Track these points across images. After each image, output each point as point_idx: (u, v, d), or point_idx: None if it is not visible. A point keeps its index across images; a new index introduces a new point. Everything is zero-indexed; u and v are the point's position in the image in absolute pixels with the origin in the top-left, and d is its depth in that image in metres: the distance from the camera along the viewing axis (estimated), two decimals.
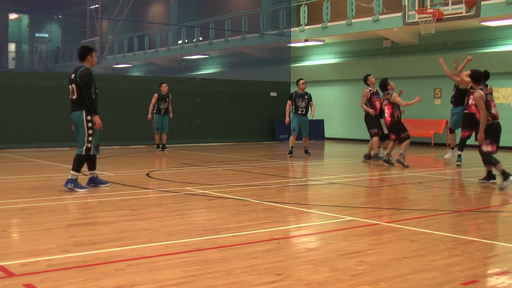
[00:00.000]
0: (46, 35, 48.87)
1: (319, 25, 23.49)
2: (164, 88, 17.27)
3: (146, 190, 9.26)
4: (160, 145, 17.49)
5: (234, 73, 29.27)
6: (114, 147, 18.70)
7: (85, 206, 7.71)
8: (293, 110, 15.34)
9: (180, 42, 33.78)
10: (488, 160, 9.77)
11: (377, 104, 14.39)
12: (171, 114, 17.37)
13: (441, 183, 10.89)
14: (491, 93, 9.82)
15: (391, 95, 13.14)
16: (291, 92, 16.06)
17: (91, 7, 38.34)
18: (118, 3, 36.72)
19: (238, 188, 9.62)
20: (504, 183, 9.55)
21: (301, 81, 15.59)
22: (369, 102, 14.45)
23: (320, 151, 19.50)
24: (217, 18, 31.47)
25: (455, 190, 10.03)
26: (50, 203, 7.87)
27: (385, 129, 14.78)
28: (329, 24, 23.13)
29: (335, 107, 24.69)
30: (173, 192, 8.95)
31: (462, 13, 16.72)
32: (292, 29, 24.91)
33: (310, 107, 15.46)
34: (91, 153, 9.06)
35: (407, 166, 12.75)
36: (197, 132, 20.93)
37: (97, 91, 9.04)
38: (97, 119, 8.94)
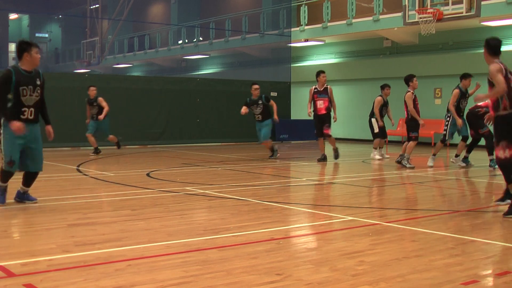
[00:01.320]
0: (47, 35, 48.87)
1: (319, 25, 23.50)
2: (92, 91, 15.90)
3: (146, 190, 9.27)
4: (115, 145, 16.73)
5: (234, 73, 29.27)
6: (114, 147, 18.71)
7: (86, 206, 7.71)
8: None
9: (180, 42, 33.79)
10: (508, 172, 7.05)
11: (320, 103, 14.15)
12: (102, 116, 15.75)
13: (441, 183, 10.89)
14: (511, 72, 7.19)
15: (406, 93, 13.07)
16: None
17: (91, 7, 38.35)
18: (118, 3, 36.72)
19: (238, 188, 9.62)
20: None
21: (253, 87, 14.81)
22: (313, 101, 14.36)
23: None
24: (217, 18, 31.49)
25: (456, 190, 10.02)
26: (51, 203, 7.88)
27: (376, 128, 14.83)
28: (329, 24, 23.14)
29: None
30: (173, 192, 8.96)
31: (462, 13, 16.74)
32: (292, 29, 24.92)
33: (273, 108, 14.78)
34: (4, 168, 7.56)
35: (411, 167, 12.66)
36: (197, 132, 20.93)
37: (23, 97, 7.40)
38: (13, 125, 7.31)
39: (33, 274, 4.45)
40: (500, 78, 6.84)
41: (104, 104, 15.77)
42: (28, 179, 7.85)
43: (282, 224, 6.67)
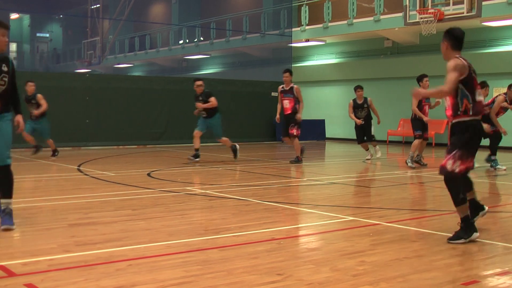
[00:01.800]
0: (47, 35, 48.92)
1: (320, 25, 23.50)
2: (30, 87, 14.19)
3: (147, 190, 9.27)
4: (52, 151, 14.77)
5: (235, 73, 29.27)
6: (115, 147, 18.72)
7: (86, 206, 7.70)
8: None
9: (181, 42, 33.80)
10: (456, 190, 6.02)
11: (285, 103, 13.81)
12: (37, 112, 14.04)
13: (443, 183, 10.87)
14: (474, 71, 5.97)
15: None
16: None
17: (92, 7, 38.36)
18: (119, 3, 36.74)
19: (239, 188, 9.62)
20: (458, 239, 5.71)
21: (196, 83, 14.26)
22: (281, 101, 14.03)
23: (321, 151, 19.50)
24: (218, 18, 31.49)
25: None
26: (51, 203, 7.87)
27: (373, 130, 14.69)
28: (330, 24, 23.14)
29: (336, 107, 24.69)
30: (174, 192, 8.95)
31: (463, 13, 16.74)
32: (293, 29, 24.92)
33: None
34: None
35: (412, 167, 12.66)
36: None
37: None
38: None
39: (34, 274, 4.45)
40: (452, 77, 5.70)
41: (43, 102, 14.12)
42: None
43: (283, 224, 6.67)
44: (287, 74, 13.96)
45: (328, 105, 24.75)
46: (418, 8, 17.75)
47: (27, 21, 48.97)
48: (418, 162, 13.17)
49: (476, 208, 6.26)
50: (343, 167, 14.05)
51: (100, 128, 18.72)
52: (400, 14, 19.41)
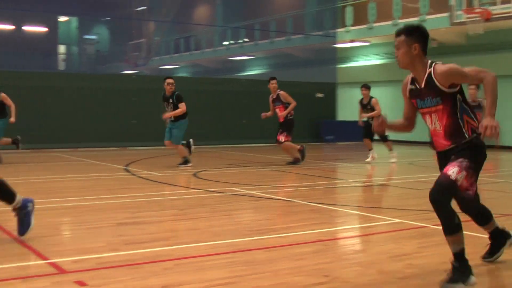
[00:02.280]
0: (95, 37, 49.75)
1: (365, 26, 23.35)
2: None
3: (193, 190, 9.34)
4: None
5: (279, 74, 29.23)
6: (162, 147, 18.91)
7: (133, 205, 7.81)
8: None
9: (225, 43, 33.99)
10: (449, 212, 4.18)
11: (277, 111, 13.65)
12: (13, 118, 13.21)
13: (491, 186, 10.67)
14: None
15: None
16: None
17: (138, 9, 38.88)
18: (165, 5, 37.16)
19: (284, 189, 9.62)
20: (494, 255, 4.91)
21: (167, 81, 13.32)
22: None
23: (366, 153, 19.34)
24: (262, 19, 31.58)
25: (506, 193, 9.82)
26: (99, 202, 8.00)
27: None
28: (374, 24, 22.98)
29: (381, 109, 24.47)
30: (220, 193, 9.00)
31: (511, 12, 16.42)
32: (337, 30, 24.82)
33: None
34: None
35: None
36: (243, 133, 20.99)
37: None
38: None
39: (83, 271, 4.54)
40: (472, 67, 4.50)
41: (9, 102, 13.17)
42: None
43: (328, 226, 6.64)
44: (274, 81, 13.73)
45: None
46: (464, 8, 17.48)
47: (75, 23, 49.88)
48: None
49: (503, 236, 4.96)
50: (389, 169, 13.90)
51: (146, 128, 18.94)
52: (446, 14, 19.13)
